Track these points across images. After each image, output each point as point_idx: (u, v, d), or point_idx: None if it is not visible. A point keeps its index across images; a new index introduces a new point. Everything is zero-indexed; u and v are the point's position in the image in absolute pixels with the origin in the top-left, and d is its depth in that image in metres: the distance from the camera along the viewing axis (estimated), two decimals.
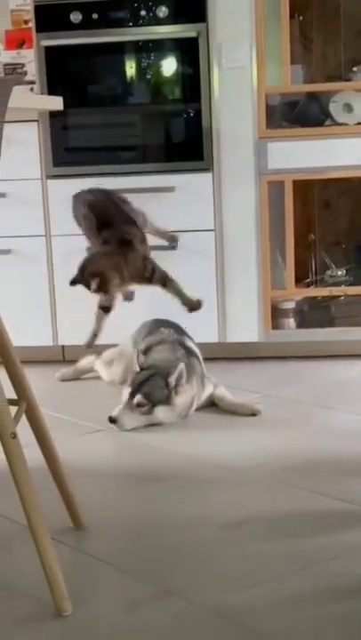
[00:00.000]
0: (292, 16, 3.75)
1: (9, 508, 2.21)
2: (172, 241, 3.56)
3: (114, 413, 3.01)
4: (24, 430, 2.02)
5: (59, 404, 3.26)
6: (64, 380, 3.66)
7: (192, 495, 2.46)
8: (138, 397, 3.02)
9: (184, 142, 3.79)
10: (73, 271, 3.79)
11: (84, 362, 3.68)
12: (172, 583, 1.94)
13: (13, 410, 1.95)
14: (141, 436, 2.99)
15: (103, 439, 2.97)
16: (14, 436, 1.83)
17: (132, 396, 3.03)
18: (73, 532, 2.21)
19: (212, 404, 3.23)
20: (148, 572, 2.00)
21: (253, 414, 3.10)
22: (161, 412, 3.03)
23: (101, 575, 2.01)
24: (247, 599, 1.87)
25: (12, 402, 1.97)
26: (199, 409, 3.18)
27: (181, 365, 3.04)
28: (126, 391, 3.06)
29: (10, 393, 1.98)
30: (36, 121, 3.74)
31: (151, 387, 3.03)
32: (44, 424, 2.12)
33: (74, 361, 3.83)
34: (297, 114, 3.84)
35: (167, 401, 3.03)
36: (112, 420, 3.00)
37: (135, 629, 1.77)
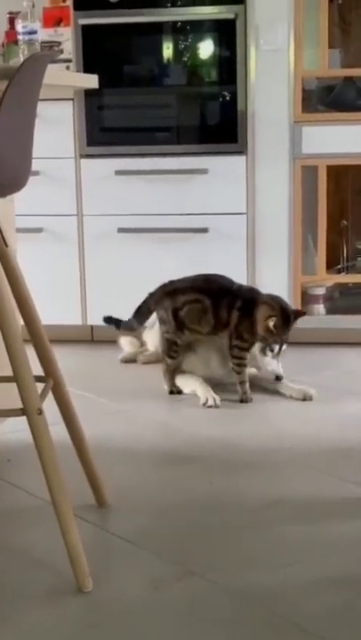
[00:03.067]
0: None
1: (34, 484, 2.23)
2: None
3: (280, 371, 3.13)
4: (51, 407, 2.03)
5: (86, 383, 3.27)
6: (125, 360, 3.66)
7: (219, 477, 2.46)
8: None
9: (219, 124, 3.77)
10: (104, 251, 3.81)
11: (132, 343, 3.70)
12: (195, 564, 1.95)
13: (40, 387, 1.96)
14: (167, 416, 3.00)
15: (129, 419, 2.97)
16: (40, 412, 1.83)
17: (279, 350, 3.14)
18: (96, 510, 2.22)
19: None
20: (170, 552, 2.01)
21: (305, 399, 3.11)
22: None
23: (123, 553, 2.02)
24: (272, 583, 1.86)
25: (39, 379, 1.98)
26: (228, 389, 3.18)
27: None
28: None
29: (37, 370, 1.99)
30: (72, 100, 3.74)
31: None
32: (70, 402, 2.13)
33: (102, 341, 3.84)
34: (333, 98, 3.80)
35: None
36: (279, 378, 3.14)
37: (155, 608, 1.78)
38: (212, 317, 3.16)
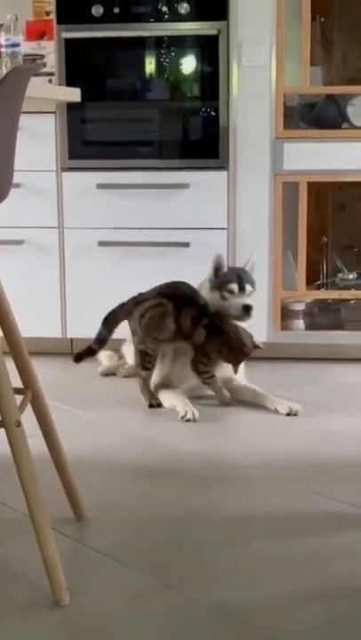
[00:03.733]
0: (313, 17, 3.74)
1: (11, 496, 2.21)
2: None
3: (248, 301, 3.22)
4: (29, 420, 2.02)
5: (65, 396, 3.26)
6: (105, 373, 3.66)
7: (195, 491, 2.46)
8: (249, 286, 3.26)
9: (201, 140, 3.78)
10: (84, 264, 3.81)
11: (111, 357, 3.71)
12: (172, 578, 1.94)
13: (19, 399, 1.96)
14: (147, 430, 3.00)
15: (108, 432, 2.97)
16: (19, 424, 1.83)
17: (241, 287, 3.23)
18: (74, 523, 2.22)
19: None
20: (147, 566, 2.00)
21: (290, 414, 3.11)
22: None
23: (100, 567, 2.01)
24: (248, 597, 1.86)
25: (17, 391, 1.98)
26: (208, 403, 3.18)
27: (251, 255, 3.36)
28: (234, 285, 3.23)
29: (16, 382, 1.98)
30: (54, 113, 3.74)
31: (248, 275, 3.29)
32: (48, 414, 2.12)
33: None
34: (315, 115, 3.83)
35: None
36: (248, 308, 3.20)
37: (132, 623, 1.77)
38: (172, 323, 3.17)
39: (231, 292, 3.23)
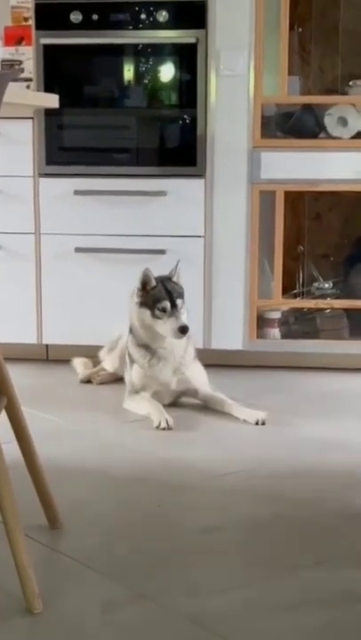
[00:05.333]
0: (291, 27, 3.76)
1: None
2: None
3: (183, 323, 3.15)
4: (4, 425, 2.01)
5: (40, 402, 3.25)
6: (85, 380, 3.63)
7: (169, 499, 2.46)
8: (179, 300, 3.19)
9: (178, 147, 3.79)
10: (61, 270, 3.81)
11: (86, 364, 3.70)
12: (146, 587, 1.94)
13: None
14: (120, 436, 2.99)
15: (83, 439, 2.96)
16: None
17: (173, 304, 3.16)
18: (48, 531, 2.21)
19: (203, 407, 3.29)
20: (121, 575, 2.00)
21: (257, 423, 3.10)
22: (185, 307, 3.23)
23: (74, 575, 2.00)
24: (221, 606, 1.86)
25: None
26: (183, 411, 3.19)
27: (180, 264, 3.27)
28: (166, 304, 3.17)
29: None
30: (31, 118, 3.74)
31: (176, 288, 3.23)
32: (23, 420, 2.11)
33: (57, 360, 3.83)
34: (292, 125, 3.84)
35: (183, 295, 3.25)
36: (184, 329, 3.14)
37: (105, 631, 1.76)
38: None
39: (164, 310, 3.17)
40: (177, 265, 3.27)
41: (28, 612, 1.81)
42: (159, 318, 3.18)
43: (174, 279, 3.26)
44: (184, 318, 3.18)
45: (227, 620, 1.80)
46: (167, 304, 3.17)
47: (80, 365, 3.69)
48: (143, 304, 3.21)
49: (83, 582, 1.97)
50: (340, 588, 1.94)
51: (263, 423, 3.10)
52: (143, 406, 3.20)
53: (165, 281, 3.24)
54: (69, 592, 1.92)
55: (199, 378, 3.32)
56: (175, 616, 1.82)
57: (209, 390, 3.31)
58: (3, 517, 1.83)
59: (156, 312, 3.18)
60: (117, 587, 1.94)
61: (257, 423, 3.10)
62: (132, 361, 3.30)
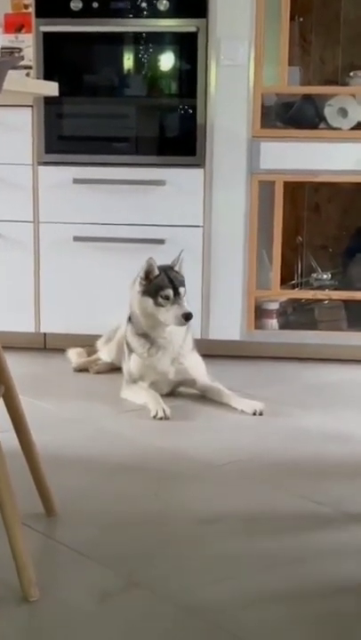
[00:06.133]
0: (292, 18, 3.74)
1: None
2: None
3: (187, 310, 3.16)
4: (1, 414, 2.01)
5: (37, 391, 3.25)
6: (79, 369, 3.64)
7: (166, 489, 2.46)
8: (182, 289, 3.20)
9: (177, 137, 3.78)
10: (59, 259, 3.80)
11: (80, 354, 3.70)
12: (142, 576, 1.94)
13: None
14: (117, 426, 2.99)
15: (80, 428, 2.96)
16: None
17: (176, 292, 3.18)
18: (44, 519, 2.21)
19: (201, 397, 3.30)
20: (117, 564, 2.00)
21: (255, 414, 3.11)
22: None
23: (71, 563, 2.01)
24: (216, 596, 1.87)
25: None
26: (181, 401, 3.19)
27: (182, 253, 3.29)
28: (170, 292, 3.18)
29: None
30: (31, 106, 3.73)
31: (178, 276, 3.23)
32: (21, 409, 2.11)
33: (55, 349, 3.83)
34: (292, 115, 3.84)
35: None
36: (188, 316, 3.16)
37: (101, 620, 1.77)
38: None
39: (167, 297, 3.18)
40: (180, 254, 3.28)
41: (24, 601, 1.81)
42: (162, 306, 3.18)
43: (176, 268, 3.26)
44: (187, 306, 3.19)
45: (223, 610, 1.80)
46: (170, 292, 3.18)
47: (74, 355, 3.69)
48: (145, 292, 3.21)
49: (79, 571, 1.97)
50: (338, 578, 1.95)
51: (261, 414, 3.10)
52: (141, 396, 3.20)
53: (168, 270, 3.25)
54: (66, 580, 1.92)
55: (197, 368, 3.33)
56: (171, 605, 1.82)
57: (207, 380, 3.32)
58: (0, 506, 1.83)
59: (159, 300, 3.18)
60: (114, 575, 1.94)
61: (254, 414, 3.10)
62: (131, 350, 3.30)
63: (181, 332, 3.25)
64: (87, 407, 3.18)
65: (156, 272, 3.22)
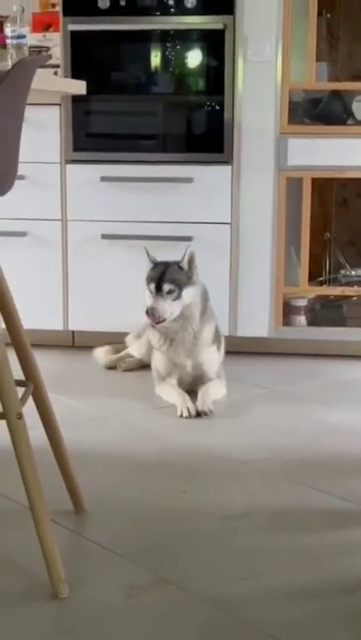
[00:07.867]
0: (319, 13, 3.73)
1: (11, 488, 2.22)
2: None
3: (149, 304, 3.11)
4: (31, 412, 2.03)
5: (66, 388, 3.27)
6: (109, 366, 3.64)
7: (194, 486, 2.46)
8: (166, 285, 3.13)
9: (205, 134, 3.78)
10: (87, 257, 3.82)
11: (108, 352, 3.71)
12: (170, 572, 1.95)
13: (21, 391, 1.96)
14: (145, 423, 3.00)
15: (108, 425, 2.97)
16: (20, 416, 1.83)
17: (158, 287, 3.12)
18: (73, 516, 2.22)
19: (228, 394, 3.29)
20: (146, 560, 2.01)
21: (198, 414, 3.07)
22: (188, 294, 3.16)
23: (99, 560, 2.02)
24: (244, 591, 1.87)
25: (19, 383, 1.98)
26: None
27: (190, 248, 3.21)
28: (152, 285, 3.14)
29: (18, 374, 1.99)
30: (59, 105, 3.74)
31: (172, 273, 3.15)
32: (50, 406, 2.13)
33: (83, 347, 3.85)
34: (320, 111, 3.82)
35: (190, 282, 3.17)
36: (148, 311, 3.11)
37: (129, 616, 1.78)
38: None
39: (150, 292, 3.17)
40: (186, 249, 3.24)
41: (54, 597, 1.83)
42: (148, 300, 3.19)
43: (182, 264, 3.22)
44: (166, 304, 3.13)
45: (252, 606, 1.81)
46: (152, 286, 3.16)
47: (102, 353, 3.68)
48: (146, 285, 3.22)
49: (108, 567, 1.98)
50: None
51: (199, 415, 3.06)
52: (169, 393, 3.20)
53: (169, 264, 3.22)
54: (95, 577, 1.94)
55: (210, 364, 3.29)
56: (198, 601, 1.83)
57: (213, 377, 3.28)
58: (29, 503, 1.84)
59: (147, 293, 3.19)
60: (142, 572, 1.95)
61: (198, 414, 3.06)
62: (153, 346, 3.31)
63: (194, 325, 3.23)
64: (115, 404, 3.19)
65: (152, 265, 3.23)
